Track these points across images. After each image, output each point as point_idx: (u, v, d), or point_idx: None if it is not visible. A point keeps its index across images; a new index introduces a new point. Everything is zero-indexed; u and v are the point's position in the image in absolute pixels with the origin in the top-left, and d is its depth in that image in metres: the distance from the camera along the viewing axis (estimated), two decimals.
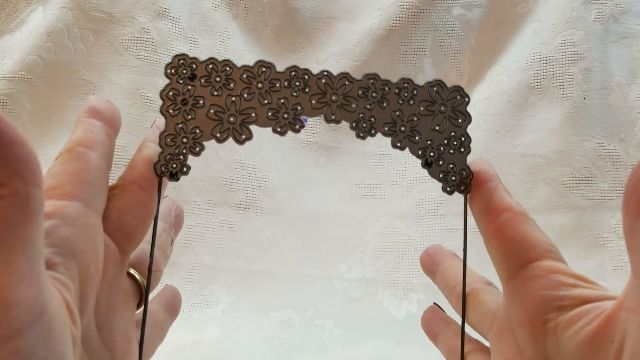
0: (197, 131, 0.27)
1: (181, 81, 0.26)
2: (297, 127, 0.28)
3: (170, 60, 0.26)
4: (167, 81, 0.27)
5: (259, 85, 0.27)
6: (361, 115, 0.28)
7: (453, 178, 0.27)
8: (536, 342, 0.23)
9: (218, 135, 0.27)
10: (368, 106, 0.27)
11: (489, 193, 0.27)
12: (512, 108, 0.63)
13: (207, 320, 0.58)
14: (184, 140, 0.26)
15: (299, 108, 0.27)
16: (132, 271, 0.27)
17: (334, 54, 0.67)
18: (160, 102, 0.26)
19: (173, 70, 0.26)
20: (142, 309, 0.27)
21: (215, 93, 0.27)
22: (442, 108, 0.28)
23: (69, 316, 0.19)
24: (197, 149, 0.27)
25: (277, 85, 0.27)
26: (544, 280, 0.23)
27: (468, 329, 0.29)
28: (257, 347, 0.55)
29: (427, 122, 0.28)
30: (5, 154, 0.16)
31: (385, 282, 0.61)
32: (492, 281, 0.30)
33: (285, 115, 0.27)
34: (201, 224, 0.62)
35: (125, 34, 0.63)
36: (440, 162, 0.27)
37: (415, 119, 0.28)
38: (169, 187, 0.65)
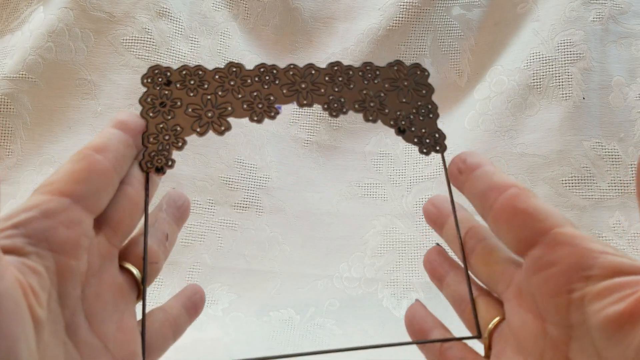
0: (178, 128, 0.28)
1: (157, 87, 0.29)
2: (273, 114, 0.29)
3: (145, 72, 0.29)
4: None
5: (232, 82, 0.29)
6: (331, 97, 0.30)
7: (427, 140, 0.30)
8: (559, 311, 0.23)
9: (198, 129, 0.29)
10: (336, 89, 0.30)
11: (489, 173, 0.27)
12: (512, 108, 0.63)
13: (207, 319, 0.58)
14: (166, 137, 0.28)
15: (271, 98, 0.29)
16: (127, 265, 0.27)
17: (334, 54, 0.68)
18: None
19: (149, 80, 0.29)
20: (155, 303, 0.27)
21: (191, 94, 0.29)
22: (406, 83, 0.30)
23: (23, 297, 0.20)
24: (180, 144, 0.29)
25: (249, 81, 0.29)
26: (569, 248, 0.23)
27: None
28: (257, 346, 0.55)
29: (393, 96, 0.30)
30: None
31: (385, 281, 0.61)
32: None
33: (260, 105, 0.29)
34: (202, 223, 0.62)
35: (126, 33, 0.63)
36: (413, 129, 0.30)
37: (382, 94, 0.30)
38: (169, 183, 0.65)
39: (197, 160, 0.62)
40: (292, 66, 0.30)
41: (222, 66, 0.29)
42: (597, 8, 0.63)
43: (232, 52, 0.66)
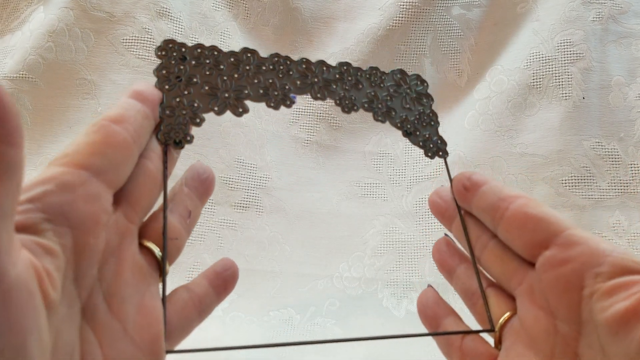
0: (195, 104, 0.28)
1: (173, 61, 0.28)
2: (288, 103, 0.29)
3: (159, 44, 0.28)
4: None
5: (247, 67, 0.29)
6: (342, 94, 0.31)
7: (431, 145, 0.32)
8: (571, 307, 0.23)
9: (216, 108, 0.28)
10: (346, 87, 0.31)
11: (497, 187, 0.28)
12: (512, 107, 0.63)
13: (207, 319, 0.58)
14: (184, 112, 0.27)
15: (287, 87, 0.30)
16: (147, 243, 0.26)
17: (334, 53, 0.68)
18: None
19: (163, 52, 0.28)
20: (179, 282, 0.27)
21: (207, 72, 0.28)
22: (408, 90, 0.32)
23: (37, 285, 0.18)
24: (198, 120, 0.28)
25: (264, 68, 0.29)
26: (582, 247, 0.24)
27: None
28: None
29: (398, 101, 0.32)
30: None
31: (385, 281, 0.61)
32: None
33: (276, 93, 0.29)
34: (202, 223, 0.62)
35: (126, 33, 0.63)
36: (417, 132, 0.32)
37: (388, 98, 0.31)
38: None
39: (197, 160, 0.62)
40: (305, 60, 0.30)
41: (237, 50, 0.29)
42: (597, 8, 0.63)
43: None
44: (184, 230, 0.27)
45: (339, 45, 0.68)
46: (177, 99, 0.28)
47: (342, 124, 0.68)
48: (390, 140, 0.67)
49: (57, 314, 0.20)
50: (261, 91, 0.29)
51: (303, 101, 0.67)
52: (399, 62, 0.68)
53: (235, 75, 0.29)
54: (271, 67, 0.29)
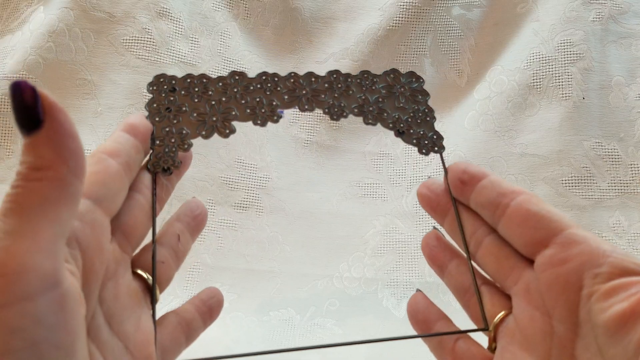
0: (184, 131, 0.29)
1: (163, 94, 0.30)
2: (275, 118, 0.30)
3: (151, 80, 0.30)
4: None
5: (235, 89, 0.30)
6: (331, 102, 0.31)
7: (426, 142, 0.31)
8: (569, 307, 0.23)
9: (203, 132, 0.29)
10: (336, 95, 0.31)
11: (497, 182, 0.27)
12: (512, 108, 0.63)
13: None
14: (172, 140, 0.29)
15: (274, 103, 0.30)
16: (139, 271, 0.27)
17: (334, 54, 0.68)
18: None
19: (154, 87, 0.30)
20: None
21: (196, 100, 0.30)
22: (402, 89, 0.32)
23: (81, 297, 0.21)
24: (186, 146, 0.29)
25: (251, 87, 0.30)
26: (582, 246, 0.24)
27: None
28: (258, 346, 0.55)
29: (391, 101, 0.31)
30: (60, 143, 0.19)
31: (385, 281, 0.61)
32: None
33: (263, 110, 0.30)
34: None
35: (126, 34, 0.63)
36: (411, 130, 0.31)
37: (380, 99, 0.31)
38: (178, 189, 0.65)
39: (197, 160, 0.62)
40: (292, 74, 0.31)
41: (225, 74, 0.30)
42: (597, 8, 0.63)
43: (232, 52, 0.66)
44: (173, 260, 0.29)
45: (339, 46, 0.68)
46: (167, 129, 0.29)
47: (342, 124, 0.68)
48: (390, 141, 0.67)
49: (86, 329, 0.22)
50: (248, 110, 0.30)
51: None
52: (399, 62, 0.68)
53: (223, 99, 0.30)
54: (259, 86, 0.30)
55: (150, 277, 0.27)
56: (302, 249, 0.63)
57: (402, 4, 0.67)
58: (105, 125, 0.62)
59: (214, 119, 0.30)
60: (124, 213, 0.26)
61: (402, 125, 0.31)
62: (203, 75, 0.30)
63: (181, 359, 0.30)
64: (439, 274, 0.31)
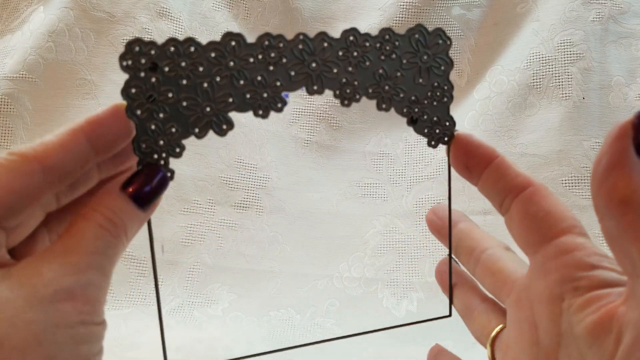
0: (173, 130, 0.24)
1: (142, 74, 0.23)
2: (279, 105, 0.25)
3: (123, 50, 0.23)
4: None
5: (231, 63, 0.24)
6: (344, 80, 0.26)
7: (437, 131, 0.27)
8: (552, 319, 0.23)
9: (197, 130, 0.24)
10: (350, 69, 0.26)
11: (503, 170, 0.26)
12: (512, 108, 0.63)
13: (207, 319, 0.58)
14: (161, 143, 0.23)
15: (277, 84, 0.25)
16: None
17: None
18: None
19: (130, 62, 0.23)
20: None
21: (184, 81, 0.23)
22: (425, 57, 0.27)
23: None
24: (178, 150, 0.24)
25: (251, 60, 0.24)
26: (565, 258, 0.23)
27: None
28: (257, 346, 0.55)
29: (410, 76, 0.27)
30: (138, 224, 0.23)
31: (385, 281, 0.61)
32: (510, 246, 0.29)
33: (265, 95, 0.25)
34: (202, 223, 0.62)
35: (126, 33, 0.63)
36: (425, 117, 0.27)
37: (399, 74, 0.26)
38: (178, 189, 0.65)
39: (197, 160, 0.62)
40: (301, 37, 0.25)
41: (218, 38, 0.24)
42: (597, 8, 0.63)
43: None
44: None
45: None
46: (152, 127, 0.23)
47: (342, 124, 0.68)
48: (390, 140, 0.67)
49: None
50: (248, 96, 0.24)
51: (303, 101, 0.67)
52: None
53: (218, 79, 0.24)
54: (260, 57, 0.24)
55: None
56: (302, 249, 0.63)
57: (402, 4, 0.67)
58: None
59: (208, 109, 0.24)
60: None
61: (416, 110, 0.27)
62: (190, 41, 0.23)
63: None
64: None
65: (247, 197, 0.64)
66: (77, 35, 0.63)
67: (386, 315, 0.58)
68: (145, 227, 0.25)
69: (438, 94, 0.27)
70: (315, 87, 0.25)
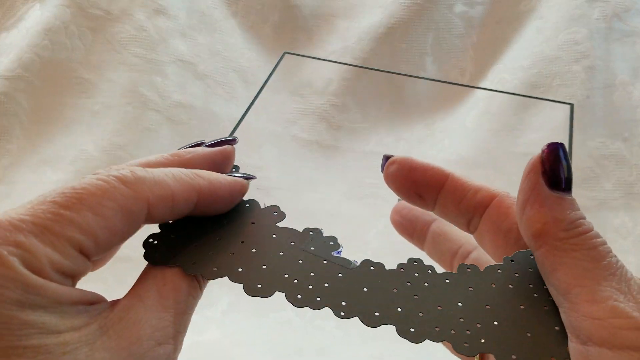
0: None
1: None
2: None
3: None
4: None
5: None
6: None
7: None
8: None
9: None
10: None
11: (460, 189, 0.25)
12: (515, 106, 0.62)
13: (206, 321, 0.57)
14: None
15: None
16: None
17: (334, 51, 0.67)
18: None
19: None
20: None
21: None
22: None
23: None
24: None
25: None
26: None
27: None
28: (257, 348, 0.54)
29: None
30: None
31: None
32: None
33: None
34: None
35: (123, 31, 0.63)
36: None
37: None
38: None
39: None
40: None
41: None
42: (601, 6, 0.62)
43: (231, 50, 0.66)
44: None
45: (339, 43, 0.67)
46: None
47: (342, 124, 0.67)
48: (391, 140, 0.67)
49: None
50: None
51: (303, 100, 0.66)
52: (400, 60, 0.67)
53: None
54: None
55: None
56: None
57: (403, 1, 0.66)
58: (102, 124, 0.61)
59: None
60: None
61: None
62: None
63: None
64: (417, 242, 0.30)
65: (247, 197, 0.63)
66: (73, 33, 0.62)
67: None
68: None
69: None
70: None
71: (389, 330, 0.57)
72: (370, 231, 0.63)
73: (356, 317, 0.21)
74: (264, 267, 0.23)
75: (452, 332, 0.19)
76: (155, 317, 0.19)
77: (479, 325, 0.19)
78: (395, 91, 0.68)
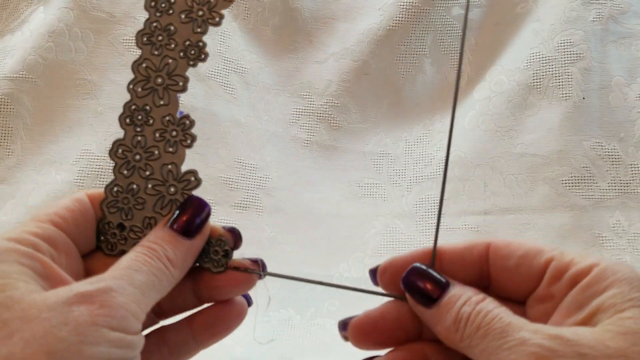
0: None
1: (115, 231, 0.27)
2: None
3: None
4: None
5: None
6: None
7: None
8: None
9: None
10: None
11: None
12: (512, 108, 0.63)
13: None
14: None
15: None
16: None
17: (334, 54, 0.68)
18: None
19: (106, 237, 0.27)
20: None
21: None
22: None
23: None
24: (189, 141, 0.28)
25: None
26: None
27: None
28: (257, 347, 0.55)
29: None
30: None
31: None
32: None
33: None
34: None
35: (126, 33, 0.63)
36: None
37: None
38: None
39: (196, 160, 0.62)
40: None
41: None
42: (597, 8, 0.63)
43: (232, 52, 0.66)
44: None
45: (339, 45, 0.68)
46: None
47: (342, 124, 0.67)
48: (390, 140, 0.67)
49: None
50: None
51: (303, 101, 0.67)
52: (399, 62, 0.68)
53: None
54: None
55: None
56: (302, 249, 0.63)
57: (402, 3, 0.67)
58: (105, 125, 0.62)
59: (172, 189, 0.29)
60: None
61: None
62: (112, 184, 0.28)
63: None
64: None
65: (247, 197, 0.64)
66: (77, 36, 0.63)
67: None
68: None
69: None
70: None
71: None
72: (369, 231, 0.64)
73: None
74: None
75: None
76: None
77: None
78: (394, 92, 0.68)
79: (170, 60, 0.26)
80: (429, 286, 0.24)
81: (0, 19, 0.66)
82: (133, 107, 0.26)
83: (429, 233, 0.62)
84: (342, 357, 0.54)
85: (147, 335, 0.26)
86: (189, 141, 0.29)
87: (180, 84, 0.27)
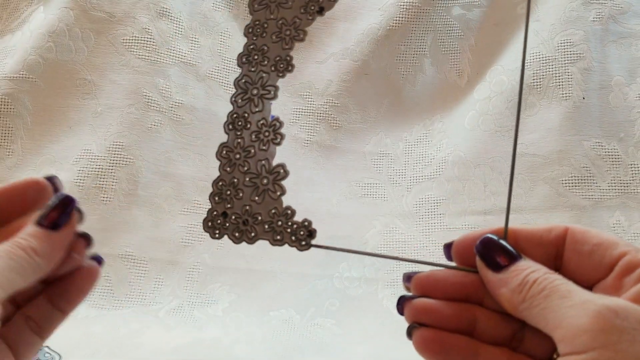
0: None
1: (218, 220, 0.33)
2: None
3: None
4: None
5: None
6: None
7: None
8: None
9: (256, 198, 0.34)
10: None
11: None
12: (512, 108, 0.63)
13: (207, 319, 0.58)
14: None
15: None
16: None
17: (334, 54, 0.68)
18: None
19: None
20: None
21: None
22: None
23: None
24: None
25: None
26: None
27: None
28: (258, 346, 0.55)
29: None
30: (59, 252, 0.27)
31: (385, 281, 0.61)
32: None
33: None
34: (202, 223, 0.62)
35: (126, 34, 0.63)
36: None
37: None
38: (169, 184, 0.65)
39: (197, 160, 0.62)
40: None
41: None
42: (597, 8, 0.63)
43: (232, 52, 0.66)
44: None
45: (339, 45, 0.68)
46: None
47: (342, 124, 0.68)
48: (390, 140, 0.67)
49: None
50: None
51: (303, 101, 0.67)
52: (399, 62, 0.68)
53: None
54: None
55: None
56: None
57: (402, 4, 0.67)
58: (105, 125, 0.62)
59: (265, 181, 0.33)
60: None
61: None
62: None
63: None
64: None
65: None
66: (77, 35, 0.63)
67: (386, 315, 0.58)
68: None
69: None
70: None
71: (389, 329, 0.58)
72: (369, 230, 0.64)
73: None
74: None
75: None
76: None
77: None
78: (394, 92, 0.68)
79: (264, 74, 0.32)
80: (501, 254, 0.25)
81: (1, 19, 0.66)
82: (234, 115, 0.33)
83: (429, 233, 0.62)
84: (342, 356, 0.54)
85: (12, 320, 0.28)
86: (279, 139, 0.33)
87: (272, 92, 0.32)
